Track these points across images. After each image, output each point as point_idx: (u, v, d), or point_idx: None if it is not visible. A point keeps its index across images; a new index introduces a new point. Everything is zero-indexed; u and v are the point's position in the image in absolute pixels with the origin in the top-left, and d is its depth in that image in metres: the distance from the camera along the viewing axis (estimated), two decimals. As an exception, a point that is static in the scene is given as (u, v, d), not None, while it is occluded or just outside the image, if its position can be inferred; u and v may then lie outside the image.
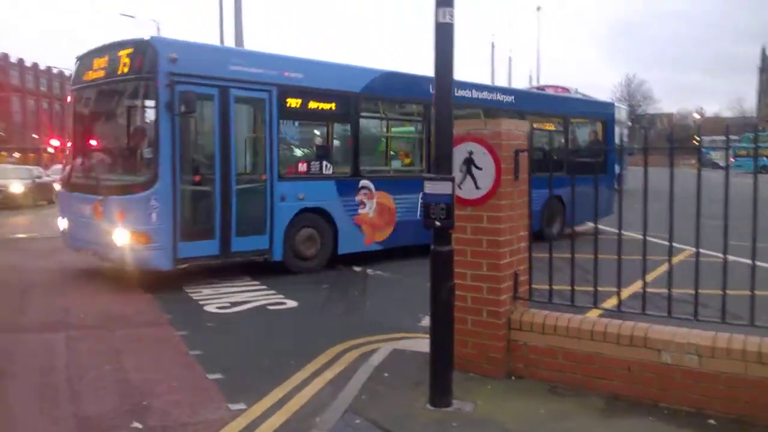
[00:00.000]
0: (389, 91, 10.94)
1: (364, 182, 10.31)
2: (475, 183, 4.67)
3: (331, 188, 9.94)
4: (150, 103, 8.31)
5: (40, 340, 6.08)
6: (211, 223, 8.62)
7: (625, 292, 4.82)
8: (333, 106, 10.15)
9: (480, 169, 4.64)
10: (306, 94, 9.67)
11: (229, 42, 18.56)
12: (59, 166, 34.51)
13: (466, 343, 4.74)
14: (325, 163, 10.02)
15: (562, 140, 13.95)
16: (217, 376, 5.02)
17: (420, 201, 10.16)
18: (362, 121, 10.62)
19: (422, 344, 5.04)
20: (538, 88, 28.06)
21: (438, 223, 4.10)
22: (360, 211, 10.24)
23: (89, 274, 9.51)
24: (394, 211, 10.71)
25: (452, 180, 4.13)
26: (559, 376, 4.51)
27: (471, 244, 4.72)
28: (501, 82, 38.79)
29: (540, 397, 4.33)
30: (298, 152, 10.38)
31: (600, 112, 15.33)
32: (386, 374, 4.81)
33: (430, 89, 11.04)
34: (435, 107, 4.28)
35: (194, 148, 8.99)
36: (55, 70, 76.94)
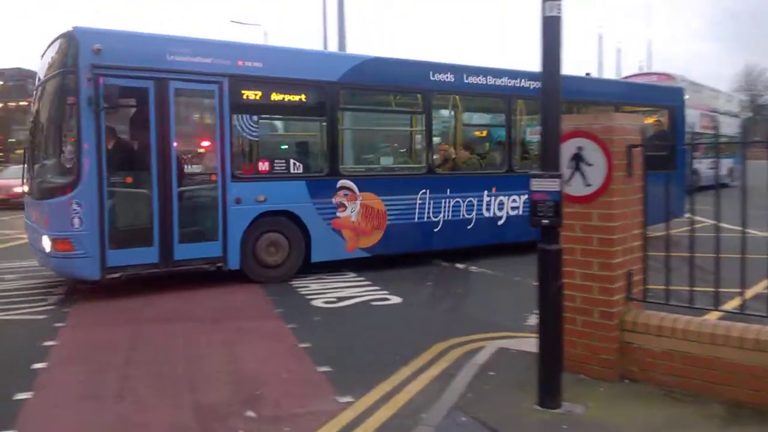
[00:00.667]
0: (378, 79, 9.75)
1: (344, 182, 9.23)
2: (585, 179, 4.53)
3: (300, 189, 8.92)
4: (72, 99, 7.64)
5: (162, 332, 6.45)
6: (148, 229, 7.91)
7: (749, 293, 4.52)
8: (303, 97, 9.15)
9: (590, 165, 4.50)
10: (268, 84, 8.76)
11: (333, 48, 18.37)
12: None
13: (576, 344, 4.61)
14: (293, 161, 9.01)
15: None
16: (326, 368, 5.15)
17: (418, 202, 9.78)
18: (342, 114, 9.71)
19: (528, 344, 4.96)
20: (636, 76, 26.24)
21: (545, 221, 4.01)
22: (339, 214, 9.19)
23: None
24: (384, 214, 9.58)
25: (560, 177, 4.03)
26: (676, 381, 4.30)
27: (580, 242, 4.59)
28: (609, 74, 37.30)
29: (656, 403, 4.16)
30: (258, 150, 9.08)
31: (666, 99, 13.52)
32: (492, 373, 4.77)
33: (431, 76, 9.90)
34: (542, 103, 4.18)
35: (126, 146, 8.33)
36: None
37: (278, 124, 10.24)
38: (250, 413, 4.31)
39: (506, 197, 10.75)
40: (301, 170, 9.02)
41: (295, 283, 8.64)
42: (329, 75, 9.14)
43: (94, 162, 7.48)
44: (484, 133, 12.52)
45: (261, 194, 8.59)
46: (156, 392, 4.76)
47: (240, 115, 8.56)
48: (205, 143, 8.99)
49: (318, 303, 7.53)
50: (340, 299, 7.72)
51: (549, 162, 4.06)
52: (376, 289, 8.21)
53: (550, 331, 4.11)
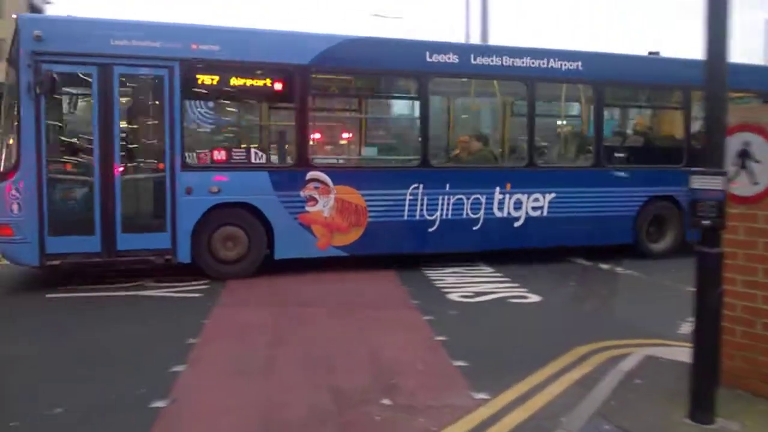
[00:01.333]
0: (360, 62, 8.93)
1: (314, 174, 8.54)
2: (752, 178, 4.15)
3: (263, 180, 8.34)
4: (14, 85, 7.58)
5: (304, 316, 6.71)
6: (89, 217, 7.69)
7: None
8: (268, 82, 8.60)
9: (759, 162, 4.11)
10: (226, 69, 8.27)
11: (475, 40, 18.04)
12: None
13: (734, 356, 4.25)
14: (254, 150, 8.59)
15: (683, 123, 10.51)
16: (461, 363, 5.10)
17: (408, 198, 8.85)
18: (315, 100, 9.11)
19: (680, 353, 4.65)
20: None
21: (706, 222, 3.72)
22: (309, 208, 8.51)
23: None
24: (364, 210, 8.78)
25: (725, 174, 3.72)
26: None
27: (743, 246, 4.21)
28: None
29: (827, 427, 3.74)
30: (213, 138, 8.83)
31: (757, 82, 10.64)
32: (638, 381, 4.50)
33: (427, 57, 8.86)
34: (706, 93, 3.85)
35: (68, 133, 8.20)
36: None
37: (237, 110, 9.43)
38: (386, 401, 4.36)
39: (525, 195, 9.50)
40: (263, 160, 8.56)
41: (432, 275, 8.66)
42: (298, 58, 8.46)
43: (33, 148, 7.43)
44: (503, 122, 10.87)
45: (215, 185, 8.15)
46: (297, 373, 4.95)
47: (193, 101, 8.32)
48: (154, 130, 8.27)
49: (454, 297, 7.50)
50: (477, 294, 7.64)
51: (713, 158, 3.75)
52: (513, 286, 8.05)
53: (707, 340, 3.81)
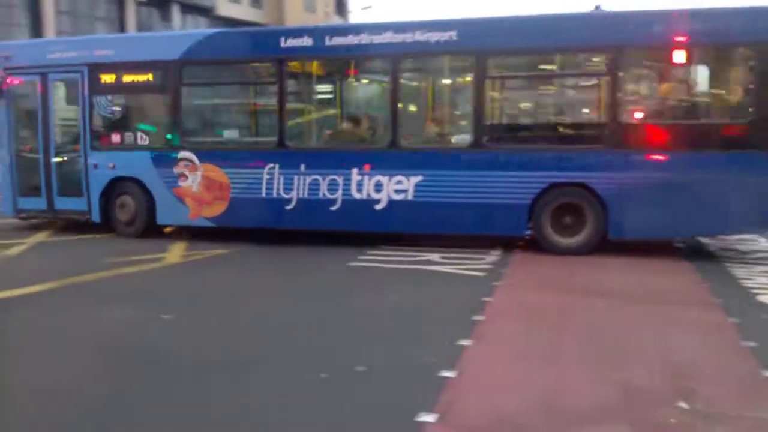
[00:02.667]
0: (223, 53, 9.95)
1: (184, 154, 9.82)
2: None
3: (145, 159, 10.01)
4: None
5: (590, 304, 6.47)
6: (38, 184, 10.53)
7: None
8: (150, 77, 10.10)
9: None
10: (118, 68, 10.11)
11: None
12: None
13: None
14: (140, 134, 10.24)
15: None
16: (774, 374, 4.51)
17: (265, 177, 9.34)
18: (184, 90, 10.01)
19: None
20: None
21: None
22: (181, 183, 9.85)
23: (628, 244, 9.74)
24: (227, 186, 9.67)
25: None
26: None
27: None
28: None
29: None
30: (111, 125, 10.60)
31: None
32: None
33: (282, 43, 9.29)
34: None
35: (26, 125, 10.95)
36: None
37: (128, 101, 10.92)
38: (682, 404, 4.01)
39: (387, 177, 9.00)
40: (147, 142, 10.19)
41: (739, 272, 7.74)
42: (170, 54, 9.79)
43: (7, 135, 10.68)
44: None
45: (111, 162, 10.18)
46: (582, 364, 4.79)
47: (97, 96, 10.36)
48: (75, 120, 10.61)
49: (766, 299, 6.63)
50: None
51: None
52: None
53: None
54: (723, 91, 8.78)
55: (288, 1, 49.14)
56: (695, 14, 8.24)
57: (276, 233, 9.94)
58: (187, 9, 43.66)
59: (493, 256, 8.71)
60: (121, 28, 39.39)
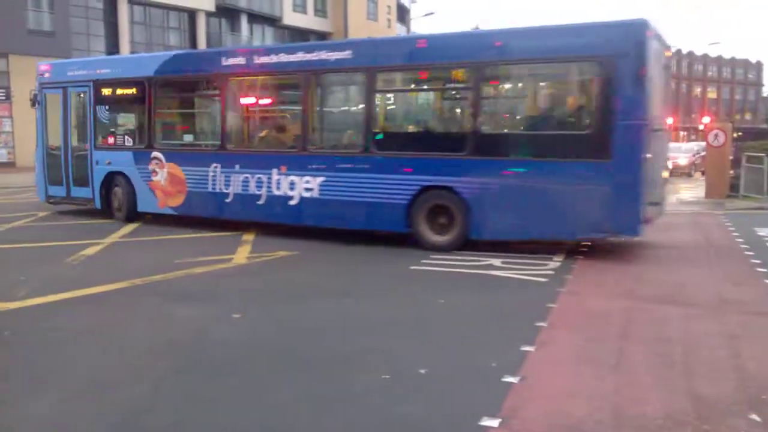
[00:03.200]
0: (180, 70, 12.26)
1: (155, 153, 11.99)
2: None
3: (129, 157, 12.35)
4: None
5: (656, 312, 6.34)
6: (60, 176, 13.37)
7: None
8: (134, 90, 12.34)
9: None
10: (112, 84, 12.59)
11: None
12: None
13: None
14: (125, 137, 12.62)
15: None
16: None
17: (210, 175, 11.21)
18: (156, 99, 12.06)
19: None
20: None
21: None
22: (153, 178, 12.02)
23: (698, 249, 9.44)
24: (184, 182, 11.63)
25: None
26: None
27: None
28: None
29: None
30: (107, 129, 12.94)
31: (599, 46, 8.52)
32: None
33: (222, 62, 11.27)
34: None
35: (53, 129, 13.49)
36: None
37: (118, 110, 13.13)
38: (754, 416, 3.91)
39: (298, 177, 10.39)
40: (130, 144, 12.48)
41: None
42: (147, 71, 12.13)
43: (41, 137, 13.71)
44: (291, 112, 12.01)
45: (108, 159, 12.62)
46: (650, 372, 4.71)
47: (99, 106, 12.76)
48: (84, 126, 13.05)
49: None
50: None
51: None
52: None
53: None
54: (566, 105, 9.43)
55: (351, 10, 49.63)
56: (529, 33, 9.36)
57: (339, 235, 10.13)
58: (255, 19, 44.73)
59: (556, 262, 8.62)
60: (192, 38, 40.72)
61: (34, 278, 7.77)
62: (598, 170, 8.41)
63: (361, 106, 10.41)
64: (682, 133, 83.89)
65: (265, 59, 11.10)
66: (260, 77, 11.57)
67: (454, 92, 10.54)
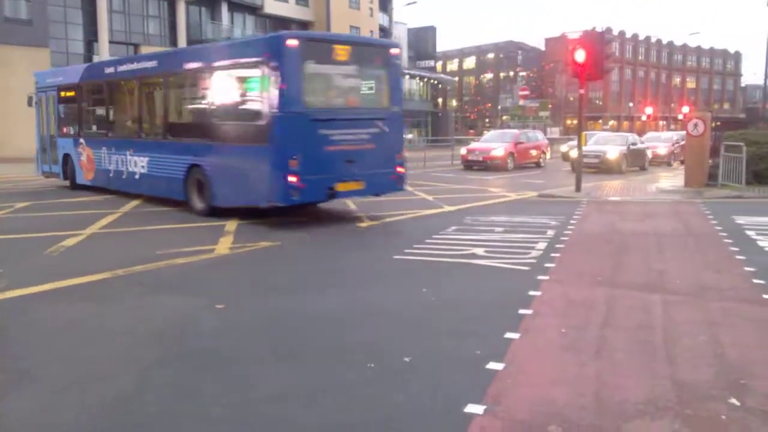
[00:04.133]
0: (90, 77, 16.30)
1: (81, 140, 16.31)
2: None
3: (71, 143, 16.76)
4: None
5: (638, 299, 6.42)
6: (47, 157, 18.13)
7: None
8: (73, 93, 16.76)
9: None
10: (64, 88, 17.05)
11: None
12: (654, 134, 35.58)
13: None
14: (70, 128, 16.97)
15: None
16: (832, 374, 4.41)
17: (103, 156, 15.53)
18: (82, 100, 16.49)
19: None
20: None
21: None
22: (81, 158, 16.36)
23: (678, 238, 9.56)
24: (93, 161, 15.84)
25: None
26: None
27: None
28: None
29: None
30: (63, 122, 17.32)
31: (254, 56, 11.09)
32: None
33: (105, 70, 16.08)
34: None
35: (44, 122, 18.09)
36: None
37: (67, 108, 17.24)
38: (734, 401, 3.99)
39: (137, 157, 14.12)
40: (72, 133, 16.83)
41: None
42: (77, 78, 16.55)
43: (37, 129, 18.62)
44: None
45: (63, 144, 17.22)
46: (632, 358, 4.78)
47: (59, 105, 17.31)
48: (53, 119, 17.65)
49: (821, 296, 6.46)
50: None
51: None
52: None
53: None
54: (244, 102, 11.58)
55: (333, -2, 49.27)
56: (217, 47, 14.31)
57: (322, 226, 10.10)
58: (235, 7, 44.30)
59: (537, 250, 8.69)
60: (172, 27, 40.22)
61: (14, 270, 7.69)
62: (262, 153, 10.70)
63: (160, 103, 14.13)
64: (661, 123, 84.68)
65: (120, 68, 15.12)
66: (117, 82, 15.43)
67: (195, 92, 13.04)
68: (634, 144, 26.09)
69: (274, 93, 10.43)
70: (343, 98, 12.07)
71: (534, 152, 27.78)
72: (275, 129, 10.41)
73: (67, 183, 17.19)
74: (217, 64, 12.02)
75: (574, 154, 21.97)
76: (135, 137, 14.35)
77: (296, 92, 10.46)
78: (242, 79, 11.60)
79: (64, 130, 17.26)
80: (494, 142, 26.72)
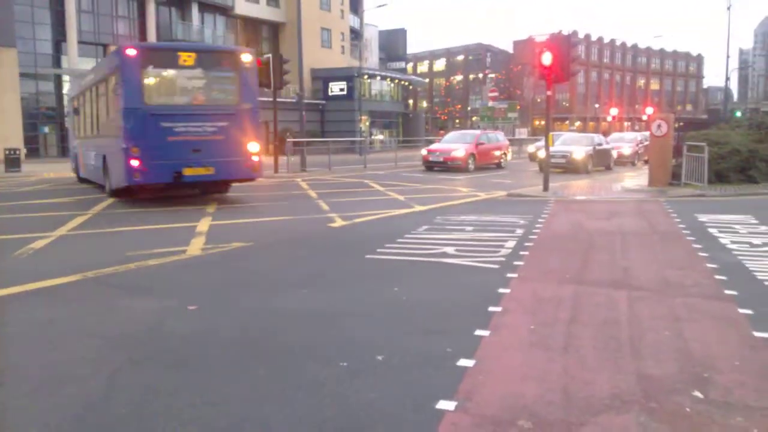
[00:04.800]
0: (79, 89, 20.27)
1: (78, 141, 20.35)
2: None
3: (76, 142, 20.92)
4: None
5: (604, 296, 6.55)
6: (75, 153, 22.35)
7: None
8: (75, 102, 21.00)
9: None
10: (73, 98, 21.20)
11: None
12: (618, 134, 36.16)
13: None
14: (76, 130, 21.30)
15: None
16: (789, 366, 4.57)
17: (81, 151, 20.61)
18: (81, 107, 19.64)
19: None
20: None
21: None
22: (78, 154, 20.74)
23: (642, 235, 9.76)
24: (81, 156, 20.01)
25: None
26: None
27: None
28: None
29: None
30: (74, 125, 21.65)
31: (111, 66, 15.12)
32: None
33: (82, 81, 22.02)
34: None
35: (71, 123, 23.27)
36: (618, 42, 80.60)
37: (75, 113, 20.96)
38: (697, 394, 4.11)
39: (91, 152, 17.52)
40: (77, 133, 20.51)
41: (751, 265, 7.79)
42: (76, 90, 20.64)
43: (71, 129, 24.36)
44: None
45: (74, 144, 21.34)
46: (599, 353, 4.88)
47: (72, 110, 20.99)
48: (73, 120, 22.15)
49: (779, 291, 6.67)
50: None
51: None
52: None
53: None
54: (110, 102, 15.08)
55: (304, -1, 49.19)
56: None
57: (294, 226, 10.09)
58: (206, 8, 43.92)
59: (507, 249, 8.81)
60: (142, 28, 39.70)
61: (-21, 273, 7.55)
62: (117, 143, 13.61)
63: (95, 108, 17.54)
64: (626, 124, 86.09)
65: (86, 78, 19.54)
66: (83, 89, 19.52)
67: (99, 99, 16.90)
68: (599, 144, 26.51)
69: (120, 94, 13.43)
70: (188, 97, 14.31)
71: (496, 153, 28.06)
72: (121, 123, 13.30)
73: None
74: (100, 77, 16.02)
75: (541, 154, 22.28)
76: (88, 136, 18.58)
77: (136, 92, 13.25)
78: (108, 86, 14.90)
79: (75, 132, 22.51)
80: (455, 143, 26.88)
